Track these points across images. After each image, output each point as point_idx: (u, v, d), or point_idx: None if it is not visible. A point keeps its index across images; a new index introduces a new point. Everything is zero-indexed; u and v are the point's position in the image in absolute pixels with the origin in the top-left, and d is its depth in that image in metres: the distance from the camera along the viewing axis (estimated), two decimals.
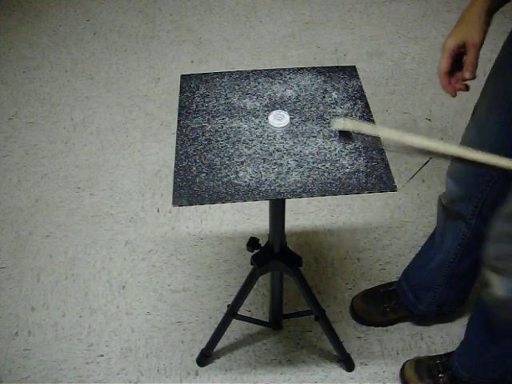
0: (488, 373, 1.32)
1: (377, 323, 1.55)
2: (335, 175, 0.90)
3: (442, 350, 1.51)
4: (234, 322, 1.45)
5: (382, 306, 1.53)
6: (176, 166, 0.93)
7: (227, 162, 0.93)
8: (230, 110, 1.02)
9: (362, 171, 0.91)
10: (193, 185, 0.90)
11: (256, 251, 1.21)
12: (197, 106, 1.03)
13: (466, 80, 0.96)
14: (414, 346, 1.53)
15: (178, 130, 0.99)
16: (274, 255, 1.20)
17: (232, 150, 0.94)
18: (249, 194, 0.88)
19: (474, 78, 0.95)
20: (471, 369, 1.34)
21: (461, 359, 1.36)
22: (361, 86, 1.06)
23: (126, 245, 1.78)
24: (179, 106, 1.03)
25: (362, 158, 0.93)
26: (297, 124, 0.98)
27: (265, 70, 1.09)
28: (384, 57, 2.39)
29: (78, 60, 2.42)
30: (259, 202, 1.86)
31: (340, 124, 0.94)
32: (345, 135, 0.95)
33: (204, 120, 1.00)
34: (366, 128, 0.95)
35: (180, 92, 1.06)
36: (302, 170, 0.91)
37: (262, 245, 1.21)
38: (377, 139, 0.94)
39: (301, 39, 2.48)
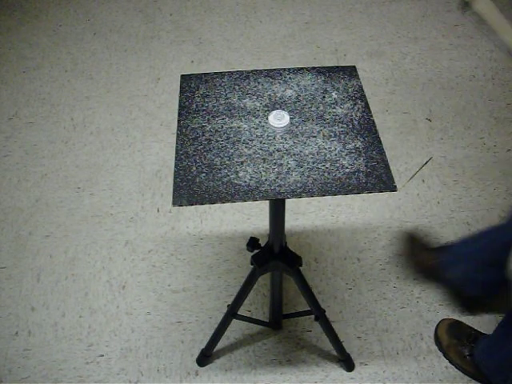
0: (495, 367, 1.36)
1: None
2: (335, 175, 0.90)
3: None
4: (234, 322, 1.45)
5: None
6: (176, 166, 0.93)
7: (227, 162, 0.93)
8: (230, 110, 1.02)
9: (362, 171, 0.91)
10: (193, 185, 0.90)
11: (256, 251, 1.21)
12: (197, 106, 1.03)
13: None
14: (414, 345, 1.53)
15: (178, 130, 0.99)
16: (274, 255, 1.20)
17: (232, 150, 0.94)
18: (249, 193, 0.88)
19: None
20: (485, 355, 1.39)
21: (481, 345, 1.42)
22: (361, 86, 1.06)
23: (126, 245, 1.78)
24: (179, 106, 1.03)
25: (361, 158, 0.93)
26: (297, 124, 0.98)
27: (265, 69, 1.09)
28: (384, 57, 2.39)
29: (78, 60, 2.42)
30: (259, 201, 1.86)
31: None
32: (465, 5, 0.90)
33: (204, 120, 1.00)
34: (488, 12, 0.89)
35: (180, 92, 1.06)
36: (302, 169, 0.91)
37: (262, 245, 1.21)
38: (491, 28, 0.89)
39: (301, 39, 2.48)
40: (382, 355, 1.52)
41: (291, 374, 1.49)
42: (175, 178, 0.91)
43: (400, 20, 2.56)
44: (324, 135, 0.96)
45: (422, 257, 1.61)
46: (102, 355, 1.54)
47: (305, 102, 1.02)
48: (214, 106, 1.03)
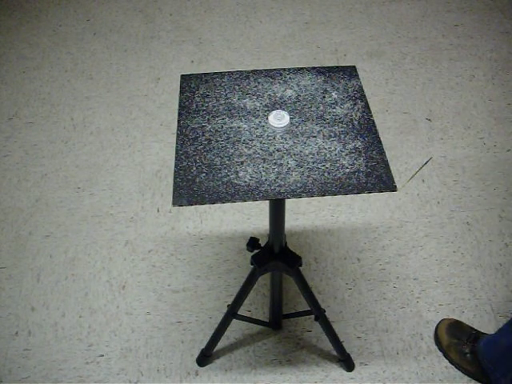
0: (494, 363, 1.35)
1: None
2: (335, 175, 0.90)
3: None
4: (234, 322, 1.45)
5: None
6: (176, 166, 0.93)
7: (227, 162, 0.93)
8: (230, 110, 1.02)
9: (362, 171, 0.91)
10: (193, 185, 0.90)
11: (256, 251, 1.21)
12: (197, 106, 1.03)
13: None
14: (414, 345, 1.53)
15: (178, 129, 0.99)
16: (274, 255, 1.20)
17: (232, 150, 0.94)
18: (249, 193, 0.88)
19: None
20: (491, 345, 1.39)
21: (487, 338, 1.41)
22: (361, 86, 1.06)
23: (126, 245, 1.78)
24: (179, 106, 1.03)
25: (361, 158, 0.93)
26: (297, 124, 0.98)
27: (265, 70, 1.09)
28: (384, 57, 2.39)
29: (78, 60, 2.42)
30: (259, 201, 1.86)
31: None
32: None
33: (204, 120, 1.00)
34: None
35: (180, 92, 1.06)
36: (301, 169, 0.91)
37: (262, 245, 1.21)
38: None
39: (301, 39, 2.48)
40: (382, 355, 1.52)
41: (291, 374, 1.49)
42: (175, 178, 0.91)
43: (400, 20, 2.56)
44: (324, 135, 0.96)
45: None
46: (102, 355, 1.54)
47: (305, 102, 1.02)
48: (214, 106, 1.03)
